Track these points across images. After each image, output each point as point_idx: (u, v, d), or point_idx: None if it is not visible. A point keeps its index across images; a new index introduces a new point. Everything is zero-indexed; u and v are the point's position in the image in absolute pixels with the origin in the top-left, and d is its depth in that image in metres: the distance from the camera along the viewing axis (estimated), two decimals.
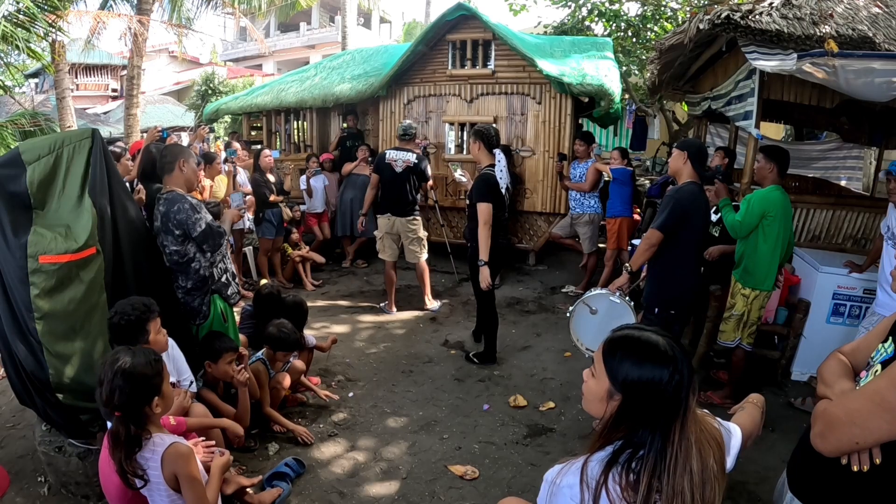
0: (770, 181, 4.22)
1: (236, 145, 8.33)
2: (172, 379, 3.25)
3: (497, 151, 5.04)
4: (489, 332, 5.23)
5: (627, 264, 3.96)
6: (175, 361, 3.21)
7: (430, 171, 6.50)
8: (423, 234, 6.44)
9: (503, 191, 5.03)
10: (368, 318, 6.35)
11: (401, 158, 6.16)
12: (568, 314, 4.20)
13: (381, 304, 6.70)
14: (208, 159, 6.06)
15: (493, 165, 5.04)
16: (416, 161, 6.17)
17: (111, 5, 12.60)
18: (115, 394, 2.26)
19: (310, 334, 4.73)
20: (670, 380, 1.43)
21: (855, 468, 1.56)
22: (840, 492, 1.67)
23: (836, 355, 1.92)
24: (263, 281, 6.05)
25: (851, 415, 1.58)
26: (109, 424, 2.42)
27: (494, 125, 7.79)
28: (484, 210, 4.77)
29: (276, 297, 4.72)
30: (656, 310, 3.92)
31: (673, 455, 1.42)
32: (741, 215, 4.19)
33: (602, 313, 4.06)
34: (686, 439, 1.44)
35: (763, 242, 4.16)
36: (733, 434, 1.73)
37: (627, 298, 3.98)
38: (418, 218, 6.37)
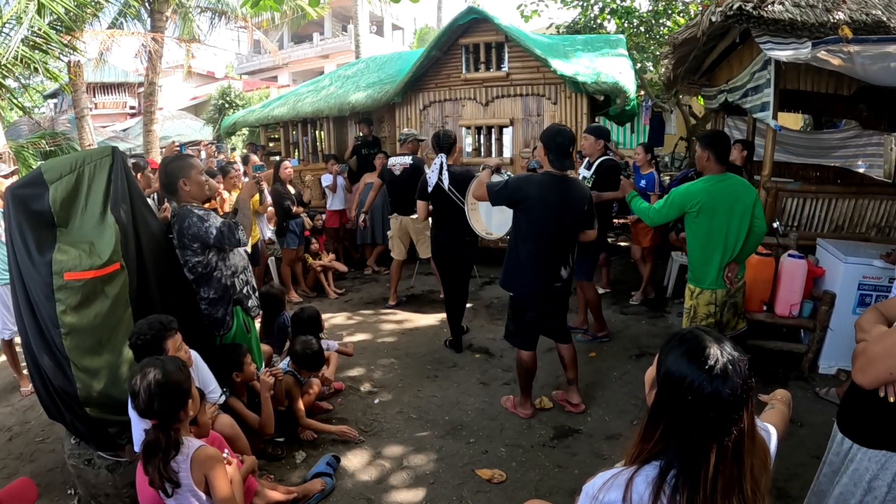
0: (710, 170, 3.80)
1: (254, 158, 8.30)
2: None
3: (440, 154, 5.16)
4: (451, 320, 5.56)
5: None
6: (200, 373, 3.23)
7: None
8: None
9: (434, 188, 5.21)
10: (392, 324, 6.35)
11: (398, 162, 6.57)
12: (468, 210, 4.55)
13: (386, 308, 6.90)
14: (224, 172, 6.13)
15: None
16: (412, 162, 6.55)
17: (121, 23, 12.79)
18: (154, 402, 2.33)
19: (331, 341, 4.74)
20: (701, 387, 1.34)
21: (892, 399, 1.81)
22: (881, 424, 1.91)
23: (874, 308, 2.14)
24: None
25: (889, 348, 1.82)
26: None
27: (510, 125, 7.86)
28: (417, 206, 5.43)
29: (276, 296, 4.90)
30: (511, 294, 4.15)
31: (711, 478, 1.33)
32: (658, 204, 3.96)
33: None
34: (738, 460, 1.36)
35: (692, 238, 3.89)
36: (772, 437, 1.67)
37: (502, 172, 4.25)
38: None
